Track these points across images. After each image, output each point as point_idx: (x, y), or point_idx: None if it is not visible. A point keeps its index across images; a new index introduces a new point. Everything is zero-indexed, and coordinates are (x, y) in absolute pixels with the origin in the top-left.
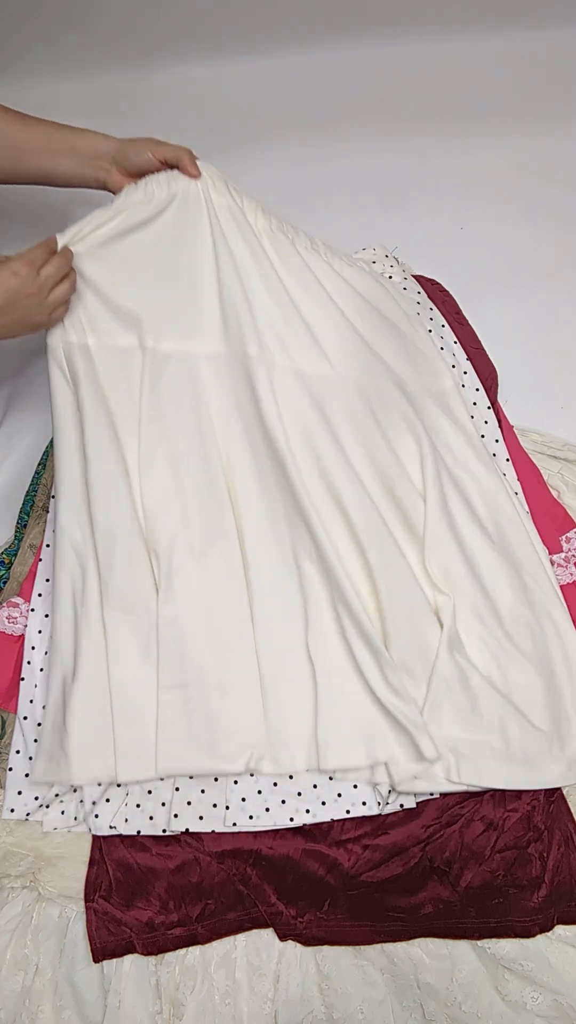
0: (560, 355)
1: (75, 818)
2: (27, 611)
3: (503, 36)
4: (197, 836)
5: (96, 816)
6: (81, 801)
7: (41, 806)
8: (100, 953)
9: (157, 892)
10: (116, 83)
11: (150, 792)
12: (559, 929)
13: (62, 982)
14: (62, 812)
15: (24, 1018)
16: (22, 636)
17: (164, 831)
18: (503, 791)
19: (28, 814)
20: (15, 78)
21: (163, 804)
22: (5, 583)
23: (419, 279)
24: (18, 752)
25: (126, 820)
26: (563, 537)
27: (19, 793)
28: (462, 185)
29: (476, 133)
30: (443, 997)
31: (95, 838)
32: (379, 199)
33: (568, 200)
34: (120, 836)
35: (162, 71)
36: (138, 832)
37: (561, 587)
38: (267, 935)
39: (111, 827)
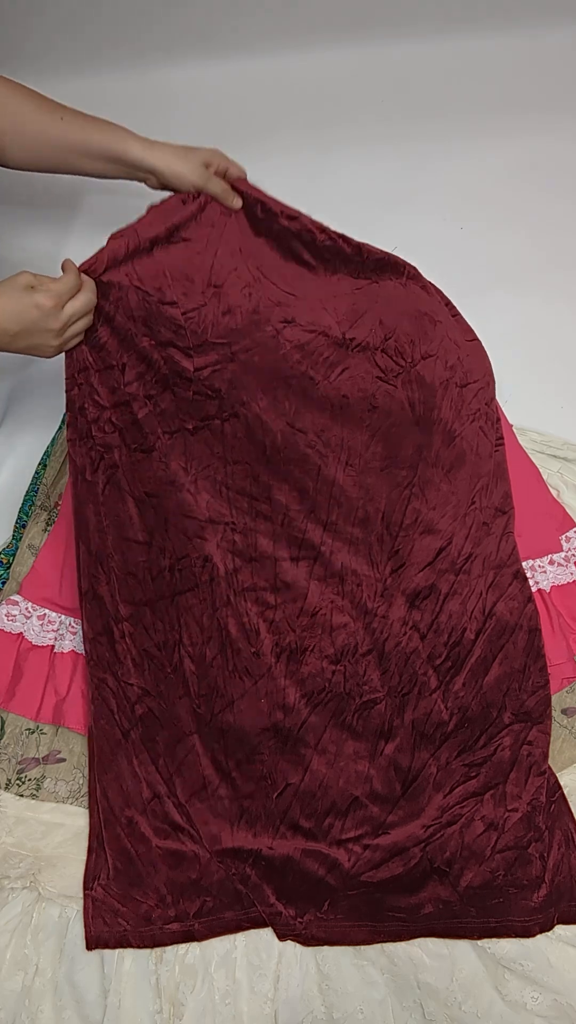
0: (560, 355)
1: None
2: (27, 609)
3: (503, 36)
4: (197, 833)
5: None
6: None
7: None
8: (94, 942)
9: (155, 885)
10: (114, 83)
11: None
12: (559, 929)
13: (62, 982)
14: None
15: (24, 1018)
16: (20, 634)
17: None
18: (504, 791)
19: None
20: (14, 78)
21: None
22: (4, 583)
23: None
24: None
25: None
26: (563, 537)
27: None
28: (462, 186)
29: (476, 134)
30: (443, 997)
31: (93, 824)
32: (378, 200)
33: (568, 201)
34: (120, 824)
35: (160, 72)
36: None
37: (561, 586)
38: (267, 935)
39: None
